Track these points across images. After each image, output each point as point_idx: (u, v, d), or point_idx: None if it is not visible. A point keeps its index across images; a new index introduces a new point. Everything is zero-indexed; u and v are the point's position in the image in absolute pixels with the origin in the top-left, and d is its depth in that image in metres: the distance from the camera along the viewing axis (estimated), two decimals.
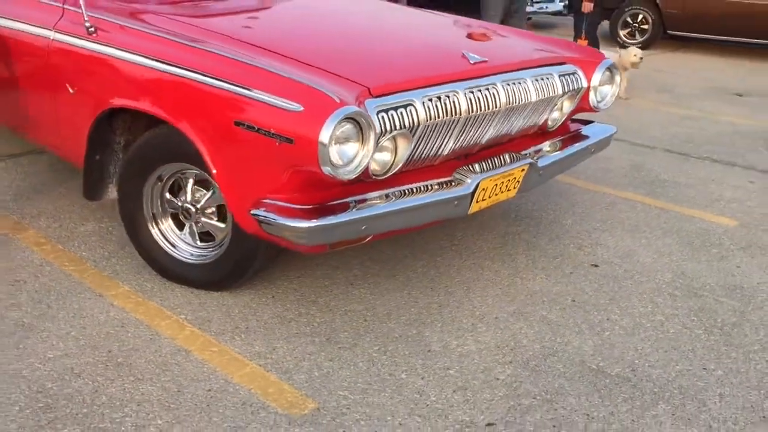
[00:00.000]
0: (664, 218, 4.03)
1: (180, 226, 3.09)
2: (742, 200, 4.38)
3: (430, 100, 2.63)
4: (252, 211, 2.51)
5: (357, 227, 2.50)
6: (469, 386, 2.48)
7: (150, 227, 3.07)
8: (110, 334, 2.68)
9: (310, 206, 2.50)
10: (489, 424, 2.30)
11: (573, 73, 3.27)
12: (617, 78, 3.49)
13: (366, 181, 2.63)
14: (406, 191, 2.72)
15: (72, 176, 3.99)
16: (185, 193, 3.00)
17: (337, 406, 2.36)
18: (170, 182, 3.03)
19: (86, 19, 2.99)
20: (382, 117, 2.48)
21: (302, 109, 2.36)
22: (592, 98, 3.42)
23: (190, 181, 2.98)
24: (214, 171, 2.63)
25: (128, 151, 3.03)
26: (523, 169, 3.03)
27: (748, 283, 3.31)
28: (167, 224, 3.09)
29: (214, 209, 2.98)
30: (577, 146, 3.41)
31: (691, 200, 4.32)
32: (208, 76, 2.56)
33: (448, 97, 2.69)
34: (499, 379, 2.53)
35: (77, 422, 2.23)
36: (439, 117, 2.66)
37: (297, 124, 2.36)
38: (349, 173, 2.42)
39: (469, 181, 2.82)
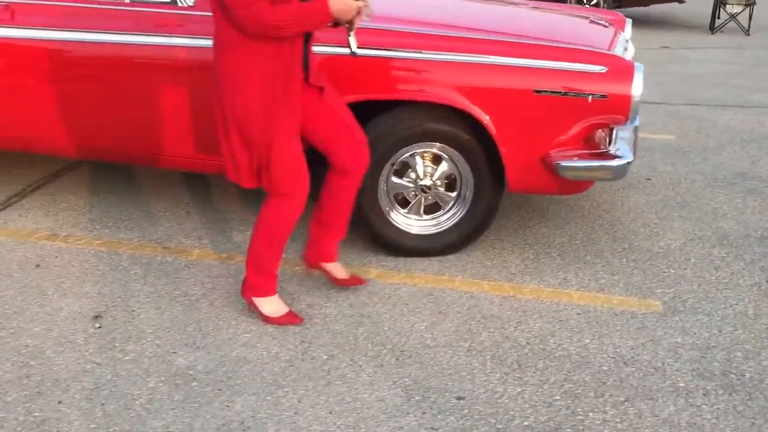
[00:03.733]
0: None
1: (403, 204, 3.35)
2: None
3: None
4: (561, 162, 2.98)
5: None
6: None
7: (385, 211, 3.29)
8: (448, 304, 2.96)
9: (598, 151, 3.07)
10: None
11: None
12: None
13: None
14: None
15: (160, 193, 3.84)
16: (415, 171, 3.28)
17: (678, 302, 3.00)
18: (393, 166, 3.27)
19: None
20: None
21: (606, 70, 2.92)
22: None
23: (418, 159, 3.27)
24: (498, 138, 3.02)
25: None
26: None
27: None
28: (396, 205, 3.33)
29: (443, 181, 3.31)
30: None
31: None
32: (504, 57, 2.95)
33: None
34: None
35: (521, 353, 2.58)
36: None
37: (606, 82, 2.91)
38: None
39: None
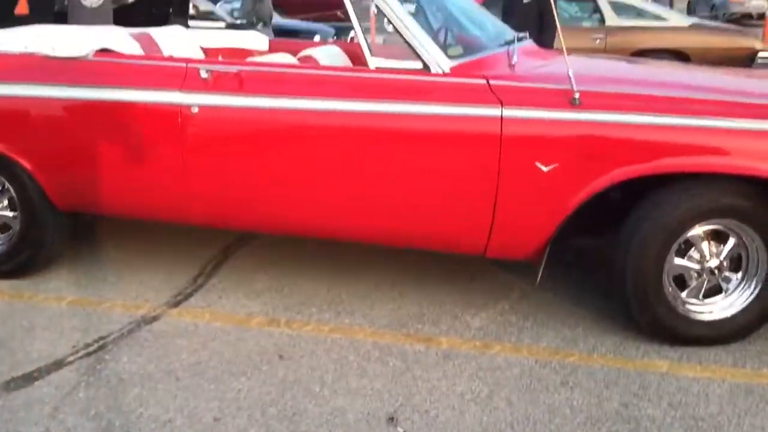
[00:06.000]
0: None
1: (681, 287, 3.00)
2: None
3: None
4: None
5: None
6: None
7: (670, 297, 2.94)
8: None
9: None
10: None
11: None
12: None
13: None
14: None
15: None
16: (699, 251, 2.94)
17: None
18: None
19: (575, 90, 2.82)
20: None
21: None
22: None
23: (702, 239, 2.93)
24: None
25: (650, 218, 2.87)
26: None
27: None
28: (677, 289, 2.98)
29: (726, 262, 2.97)
30: None
31: None
32: None
33: None
34: None
35: None
36: None
37: None
38: None
39: None
